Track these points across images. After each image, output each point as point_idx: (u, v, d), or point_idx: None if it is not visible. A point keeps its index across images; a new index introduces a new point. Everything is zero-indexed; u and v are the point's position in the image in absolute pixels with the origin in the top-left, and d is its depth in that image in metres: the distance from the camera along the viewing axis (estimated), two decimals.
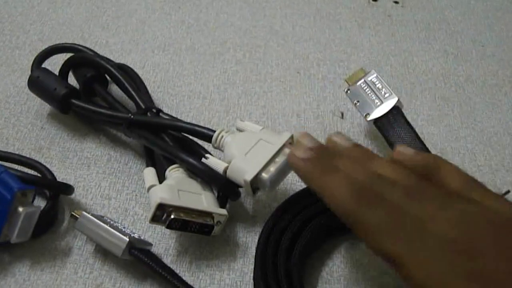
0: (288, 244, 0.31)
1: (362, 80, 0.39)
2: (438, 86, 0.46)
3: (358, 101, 0.38)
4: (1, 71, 0.45)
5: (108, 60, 0.41)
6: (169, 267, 0.32)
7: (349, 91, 0.39)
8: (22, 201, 0.31)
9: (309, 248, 0.32)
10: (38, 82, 0.39)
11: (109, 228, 0.31)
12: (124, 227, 0.33)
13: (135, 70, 0.43)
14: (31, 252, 0.33)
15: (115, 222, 0.33)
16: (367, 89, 0.38)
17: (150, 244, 0.33)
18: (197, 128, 0.36)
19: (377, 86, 0.38)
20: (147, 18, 0.51)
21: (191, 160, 0.34)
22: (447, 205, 0.25)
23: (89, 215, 0.32)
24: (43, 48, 0.42)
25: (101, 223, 0.32)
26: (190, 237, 0.34)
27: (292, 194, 0.34)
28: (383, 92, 0.38)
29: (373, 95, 0.38)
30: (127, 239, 0.31)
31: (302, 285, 0.30)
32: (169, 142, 0.36)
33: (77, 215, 0.32)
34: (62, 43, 0.43)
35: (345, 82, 0.40)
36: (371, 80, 0.39)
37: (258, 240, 0.32)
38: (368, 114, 0.38)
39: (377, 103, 0.38)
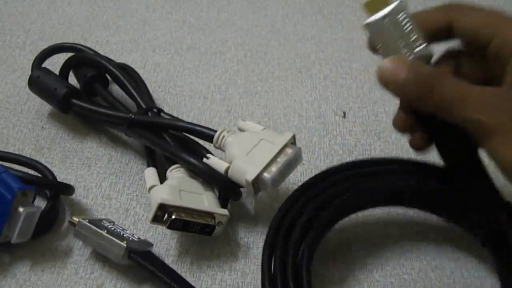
0: (298, 238, 0.31)
1: (386, 12, 0.29)
2: None
3: (382, 48, 0.29)
4: (1, 70, 0.45)
5: (108, 60, 0.41)
6: (171, 268, 0.32)
7: (370, 29, 0.29)
8: (22, 201, 0.31)
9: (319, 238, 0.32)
10: (39, 82, 0.39)
11: (106, 235, 0.31)
12: (123, 229, 0.32)
13: (136, 69, 0.43)
14: (32, 253, 0.33)
15: (113, 224, 0.33)
16: (392, 30, 0.29)
17: (151, 244, 0.32)
18: (198, 128, 0.35)
19: (406, 27, 0.29)
20: (147, 18, 0.51)
21: (192, 160, 0.34)
22: None
23: (85, 222, 0.31)
24: (44, 47, 0.42)
25: (98, 230, 0.31)
26: (191, 238, 0.34)
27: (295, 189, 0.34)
28: (412, 39, 0.29)
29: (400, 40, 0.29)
30: (125, 245, 0.30)
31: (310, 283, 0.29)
32: (170, 142, 0.36)
33: (74, 222, 0.32)
34: (63, 43, 0.43)
35: (364, 5, 0.29)
36: (398, 16, 0.29)
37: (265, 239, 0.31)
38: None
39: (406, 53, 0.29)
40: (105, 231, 0.31)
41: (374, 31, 0.29)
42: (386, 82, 0.28)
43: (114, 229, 0.32)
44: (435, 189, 0.33)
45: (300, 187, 0.33)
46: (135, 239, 0.31)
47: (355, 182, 0.33)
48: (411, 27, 0.29)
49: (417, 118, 0.30)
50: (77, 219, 0.32)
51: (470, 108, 0.26)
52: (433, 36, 0.29)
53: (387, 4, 0.29)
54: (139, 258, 0.31)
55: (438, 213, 0.34)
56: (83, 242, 0.32)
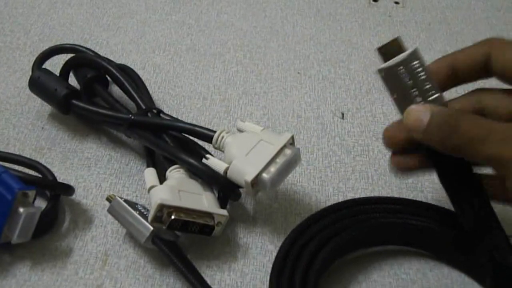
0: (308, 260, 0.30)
1: (401, 59, 0.28)
2: None
3: (396, 95, 0.29)
4: (2, 71, 0.45)
5: (108, 61, 0.41)
6: (190, 262, 0.32)
7: (384, 74, 0.29)
8: (23, 201, 0.31)
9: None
10: (39, 82, 0.39)
11: (137, 215, 0.32)
12: None
13: (136, 70, 0.43)
14: (32, 253, 0.33)
15: (147, 211, 0.33)
16: (406, 78, 0.28)
17: (177, 236, 0.33)
18: (197, 128, 0.36)
19: (420, 75, 0.28)
20: (147, 19, 0.51)
21: (191, 160, 0.34)
22: None
23: (121, 200, 0.33)
24: (44, 48, 0.42)
25: (131, 210, 0.32)
26: (191, 238, 0.34)
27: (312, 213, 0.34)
28: (425, 88, 0.28)
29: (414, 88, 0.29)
30: (151, 228, 0.31)
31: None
32: (169, 142, 0.36)
33: (110, 199, 0.33)
34: (63, 44, 0.44)
35: (377, 50, 0.29)
36: (413, 64, 0.28)
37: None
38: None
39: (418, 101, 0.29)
40: (137, 212, 0.32)
41: (387, 77, 0.29)
42: (411, 130, 0.28)
43: (146, 214, 0.32)
44: (443, 231, 0.32)
45: (306, 220, 0.33)
46: (163, 228, 0.32)
47: (361, 219, 0.32)
48: (424, 76, 0.28)
49: (428, 156, 0.30)
50: (113, 196, 0.33)
51: (495, 145, 0.26)
52: (470, 72, 0.30)
53: (401, 51, 0.28)
54: (162, 245, 0.31)
55: (445, 257, 0.34)
56: (115, 219, 0.33)
